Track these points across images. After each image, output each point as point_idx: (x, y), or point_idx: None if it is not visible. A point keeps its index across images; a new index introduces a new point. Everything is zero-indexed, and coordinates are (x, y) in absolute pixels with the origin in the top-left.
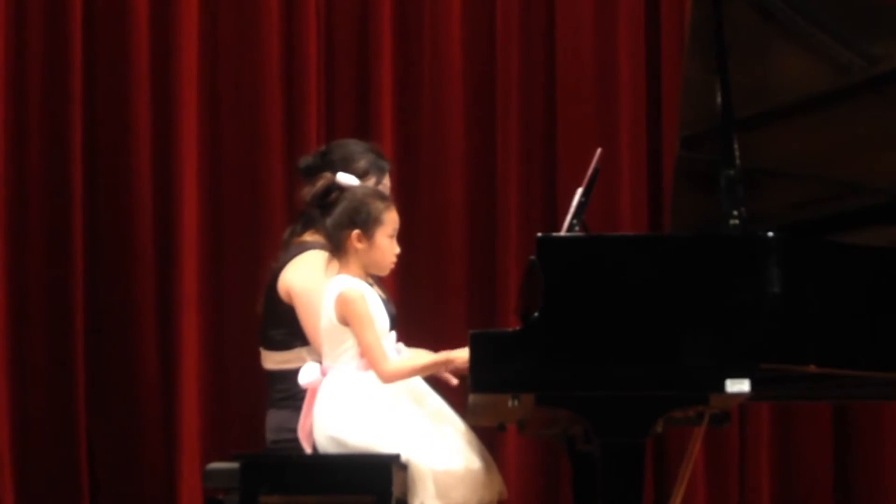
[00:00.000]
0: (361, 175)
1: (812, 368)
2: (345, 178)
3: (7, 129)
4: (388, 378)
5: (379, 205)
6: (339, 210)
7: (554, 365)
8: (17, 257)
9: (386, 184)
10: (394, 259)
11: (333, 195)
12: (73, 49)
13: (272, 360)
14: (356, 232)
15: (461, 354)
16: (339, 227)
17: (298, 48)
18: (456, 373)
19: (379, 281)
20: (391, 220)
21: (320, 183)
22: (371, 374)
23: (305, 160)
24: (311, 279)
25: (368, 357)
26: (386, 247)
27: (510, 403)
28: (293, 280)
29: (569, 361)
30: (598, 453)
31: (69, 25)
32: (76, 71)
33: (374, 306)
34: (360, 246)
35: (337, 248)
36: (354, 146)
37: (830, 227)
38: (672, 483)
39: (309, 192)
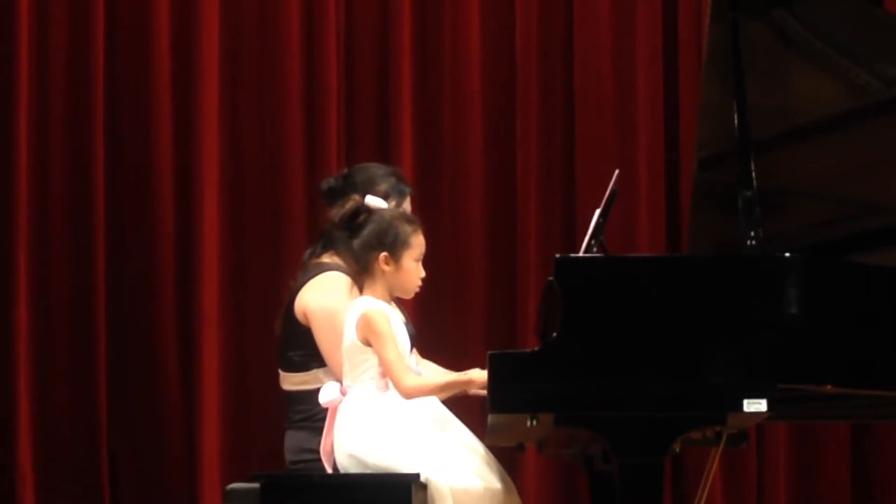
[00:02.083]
0: (381, 198)
1: (829, 388)
2: (373, 201)
3: (30, 147)
4: (409, 394)
5: (407, 228)
6: (367, 232)
7: (572, 385)
8: (40, 277)
9: (406, 208)
10: (419, 283)
11: (362, 217)
12: (96, 70)
13: (290, 382)
14: (384, 254)
15: (482, 375)
16: (367, 248)
17: (319, 69)
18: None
19: (399, 302)
20: (418, 243)
21: (349, 205)
22: (391, 395)
23: (328, 182)
24: (328, 300)
25: (390, 373)
26: (412, 270)
27: (529, 423)
28: (310, 301)
29: (587, 381)
30: (616, 473)
31: (92, 45)
32: (98, 93)
33: (397, 326)
34: (386, 268)
35: (363, 270)
36: (377, 169)
37: (848, 248)
38: (690, 503)
39: (337, 213)
